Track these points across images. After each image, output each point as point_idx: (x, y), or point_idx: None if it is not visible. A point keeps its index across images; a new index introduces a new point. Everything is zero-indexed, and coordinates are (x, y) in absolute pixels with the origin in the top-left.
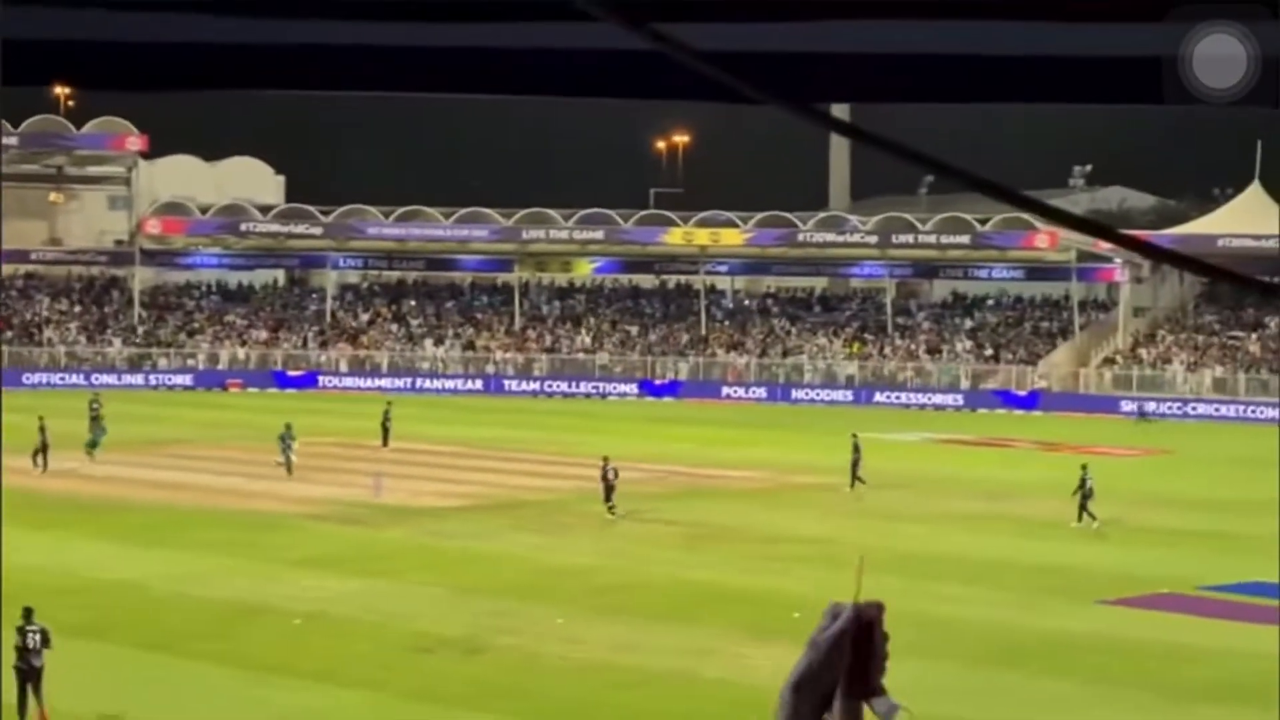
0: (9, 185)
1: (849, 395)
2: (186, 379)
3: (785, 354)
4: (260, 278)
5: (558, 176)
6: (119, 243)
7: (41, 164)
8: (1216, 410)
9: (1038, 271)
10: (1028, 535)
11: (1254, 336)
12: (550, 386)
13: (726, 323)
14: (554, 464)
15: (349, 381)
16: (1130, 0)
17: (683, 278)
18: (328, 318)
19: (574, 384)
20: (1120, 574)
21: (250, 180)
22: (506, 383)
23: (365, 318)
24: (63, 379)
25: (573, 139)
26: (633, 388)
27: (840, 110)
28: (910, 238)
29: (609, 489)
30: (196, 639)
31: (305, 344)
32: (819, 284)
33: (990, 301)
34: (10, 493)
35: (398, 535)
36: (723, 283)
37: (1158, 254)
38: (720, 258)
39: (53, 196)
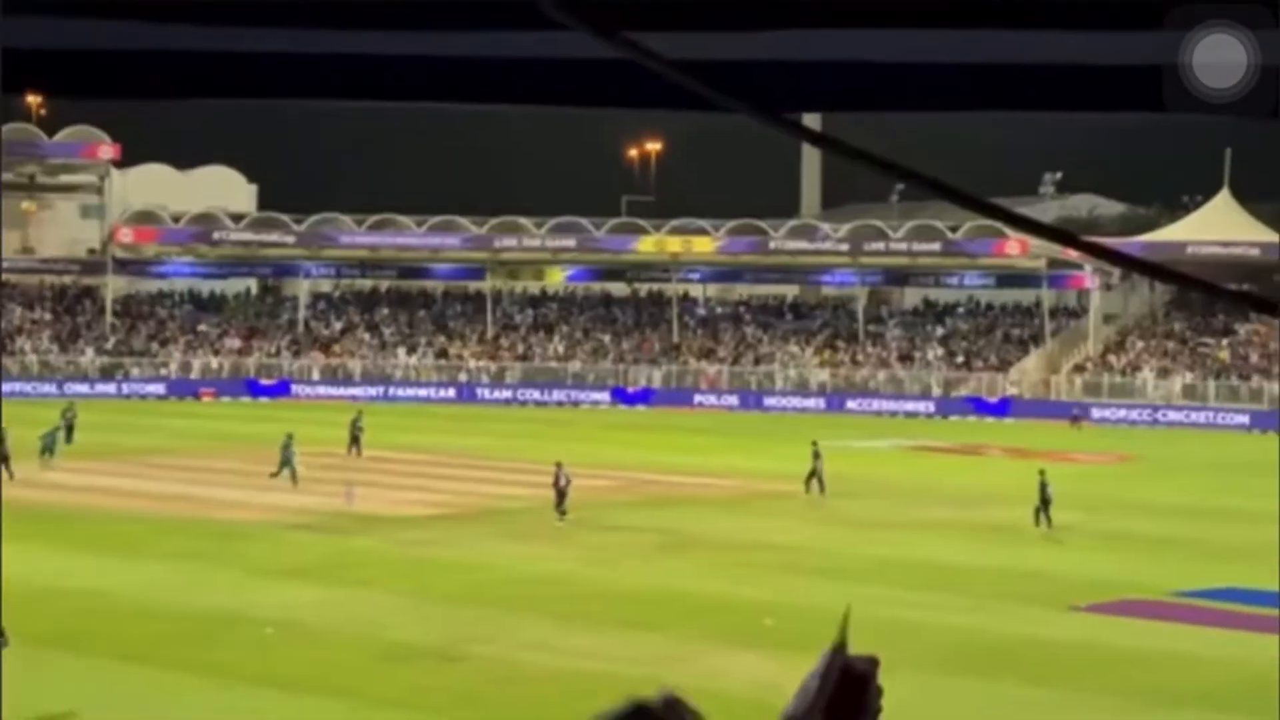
0: None
1: (821, 403)
2: (159, 388)
3: (757, 361)
4: (233, 286)
5: (530, 185)
6: (91, 251)
7: (14, 172)
8: (1187, 417)
9: (1008, 279)
10: (999, 542)
11: (1224, 343)
12: (523, 394)
13: (698, 330)
14: (527, 472)
15: (322, 390)
16: (1123, 6)
17: (655, 286)
18: (300, 326)
19: (546, 392)
20: (1093, 580)
21: (222, 189)
22: (479, 391)
23: (338, 326)
24: (35, 388)
25: (545, 147)
26: (605, 395)
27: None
28: (881, 245)
29: (560, 495)
30: (169, 648)
31: (278, 353)
32: (791, 291)
33: (961, 309)
34: None
35: (371, 544)
36: (695, 290)
37: (1126, 262)
38: (692, 265)
39: (25, 205)
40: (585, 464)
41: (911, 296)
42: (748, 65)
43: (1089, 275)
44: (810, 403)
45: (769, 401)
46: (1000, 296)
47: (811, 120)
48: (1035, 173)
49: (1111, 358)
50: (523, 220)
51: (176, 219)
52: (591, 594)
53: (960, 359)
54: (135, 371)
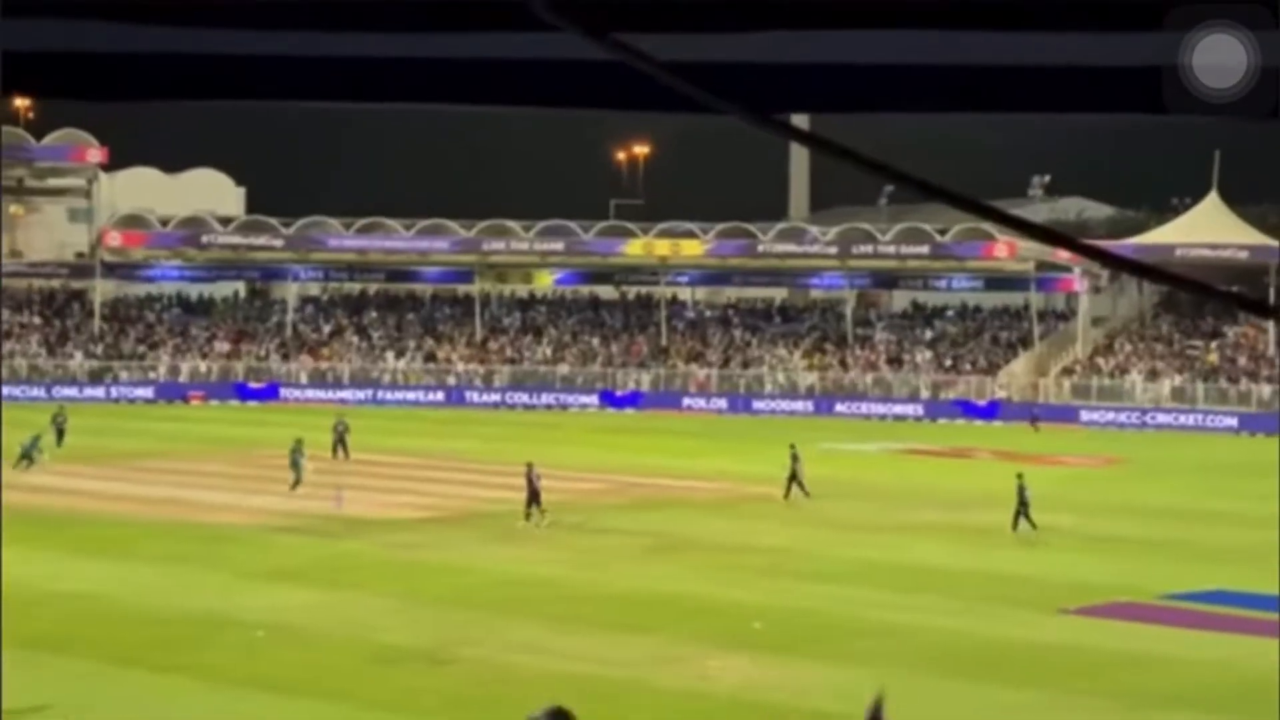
0: None
1: (809, 406)
2: (148, 391)
3: (746, 364)
4: (221, 290)
5: (518, 188)
6: (79, 255)
7: (1, 176)
8: (1175, 419)
9: (997, 281)
10: (988, 545)
11: (1212, 346)
12: (511, 398)
13: (687, 334)
14: (516, 475)
15: (311, 393)
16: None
17: (643, 289)
18: (289, 330)
19: (535, 395)
20: (1082, 582)
21: (211, 192)
22: (468, 394)
23: (327, 329)
24: (23, 392)
25: (533, 151)
26: (594, 399)
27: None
28: (870, 248)
29: (534, 495)
30: (159, 651)
31: (266, 356)
32: (779, 294)
33: (950, 312)
34: None
35: (360, 547)
36: (683, 294)
37: (1119, 263)
38: (680, 269)
39: (13, 209)
40: (574, 467)
41: (900, 299)
42: (738, 67)
43: (1077, 278)
44: (799, 405)
45: (757, 404)
46: (989, 299)
47: (799, 122)
48: (1024, 175)
49: (1100, 360)
50: (511, 223)
51: (165, 222)
52: (581, 596)
53: (949, 362)
54: (124, 375)
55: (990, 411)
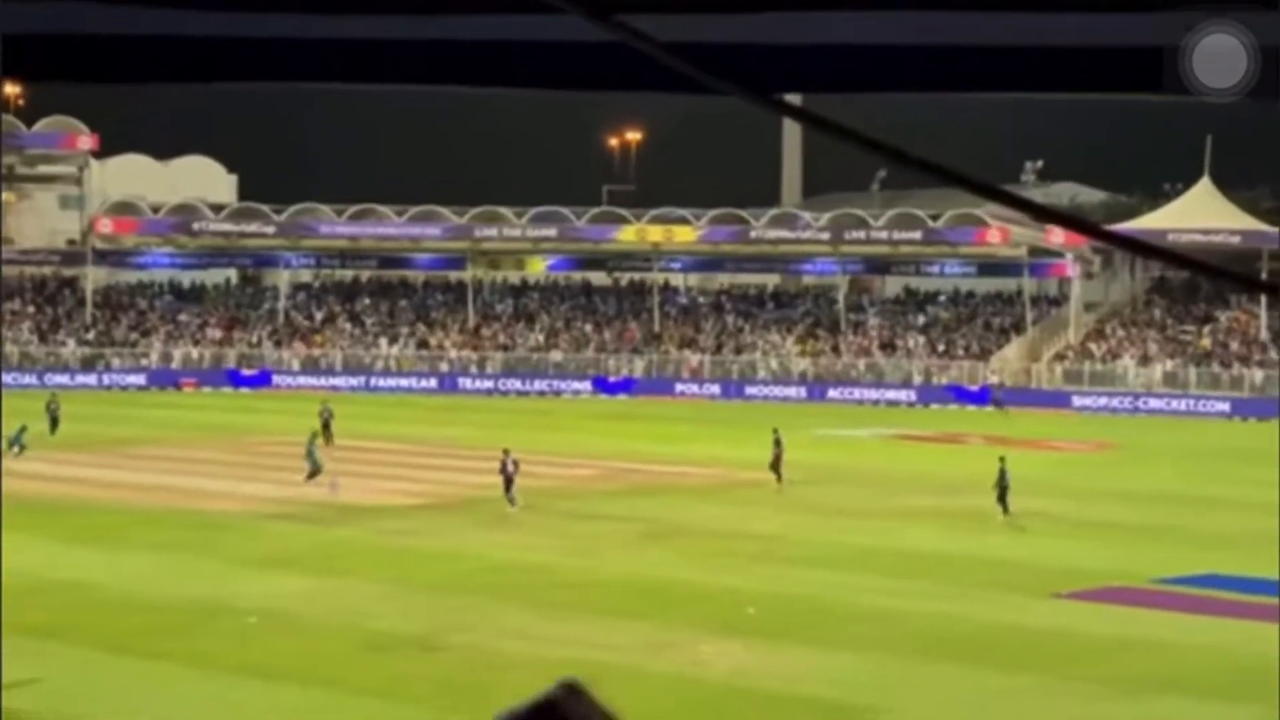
0: None
1: (802, 392)
2: (140, 379)
3: (738, 351)
4: (213, 277)
5: (510, 174)
6: (71, 242)
7: None
8: (1167, 404)
9: (990, 267)
10: (980, 530)
11: (1204, 331)
12: (504, 384)
13: (680, 320)
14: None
15: (303, 380)
16: None
17: (636, 275)
18: (281, 317)
19: (528, 382)
20: (1074, 567)
21: (202, 179)
22: (460, 381)
23: (319, 316)
24: (15, 379)
25: (525, 137)
26: (586, 385)
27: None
28: (862, 234)
29: (508, 481)
30: (152, 639)
31: (259, 343)
32: (772, 280)
33: (942, 297)
34: None
35: (353, 534)
36: (676, 280)
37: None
38: (673, 255)
39: (5, 196)
40: (566, 453)
41: (892, 285)
42: (739, 48)
43: (1070, 263)
44: (791, 391)
45: (750, 390)
46: (981, 285)
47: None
48: (1016, 160)
49: (1092, 346)
50: (503, 210)
51: (156, 210)
52: (573, 582)
53: (941, 347)
54: (116, 362)
55: (983, 397)
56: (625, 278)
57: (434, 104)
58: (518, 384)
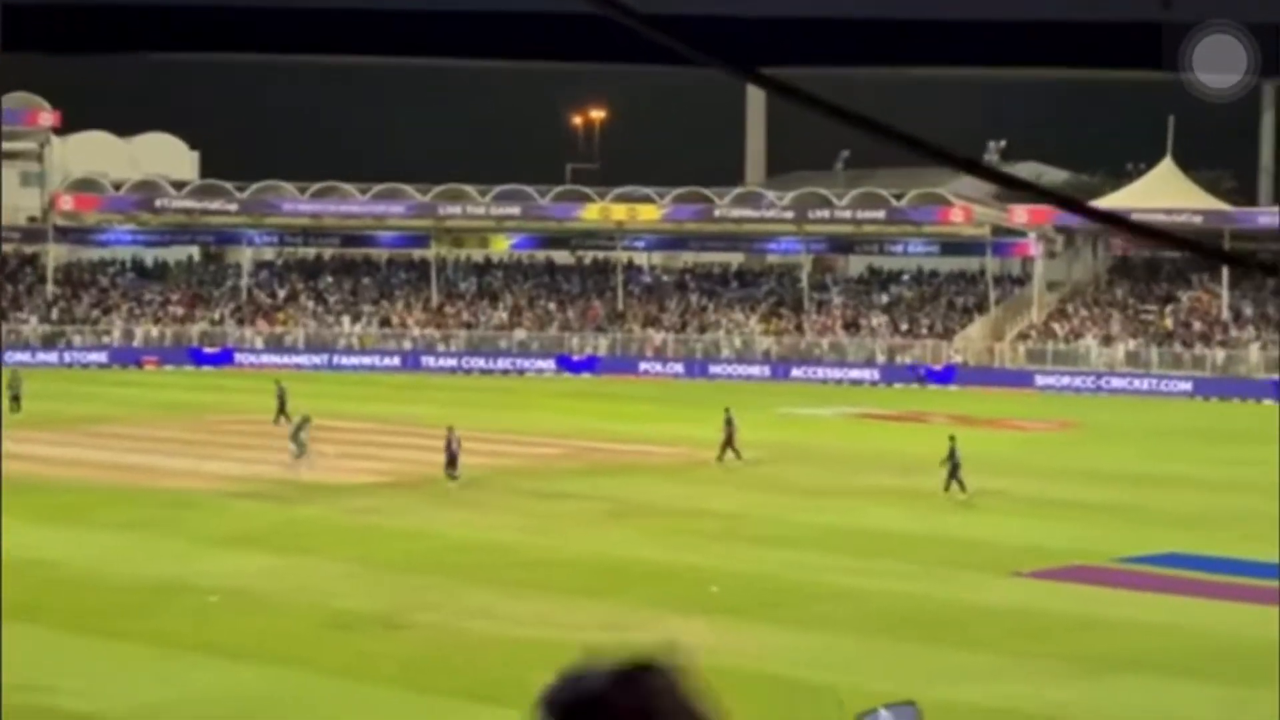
0: None
1: (766, 370)
2: (102, 356)
3: (702, 329)
4: (175, 254)
5: (474, 152)
6: (32, 220)
7: None
8: (1130, 384)
9: (953, 246)
10: (943, 509)
11: (1167, 310)
12: (468, 363)
13: (644, 298)
14: (471, 440)
15: (266, 358)
16: None
17: (600, 253)
18: (244, 294)
19: (491, 360)
20: (1036, 546)
21: (164, 156)
22: (424, 359)
23: (282, 294)
24: None
25: (489, 115)
26: (550, 363)
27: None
28: (826, 213)
29: (452, 458)
30: (115, 617)
31: (221, 321)
32: (735, 259)
33: (906, 276)
34: None
35: (316, 512)
36: (640, 258)
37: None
38: (637, 233)
39: None
40: (530, 432)
41: (856, 264)
42: (720, 20)
43: (1033, 243)
44: (755, 370)
45: (714, 369)
46: (945, 264)
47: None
48: (979, 140)
49: (1055, 325)
50: (467, 188)
51: (118, 186)
52: (537, 561)
53: (904, 326)
54: (77, 340)
55: (946, 376)
56: (589, 256)
57: (398, 81)
58: (481, 362)
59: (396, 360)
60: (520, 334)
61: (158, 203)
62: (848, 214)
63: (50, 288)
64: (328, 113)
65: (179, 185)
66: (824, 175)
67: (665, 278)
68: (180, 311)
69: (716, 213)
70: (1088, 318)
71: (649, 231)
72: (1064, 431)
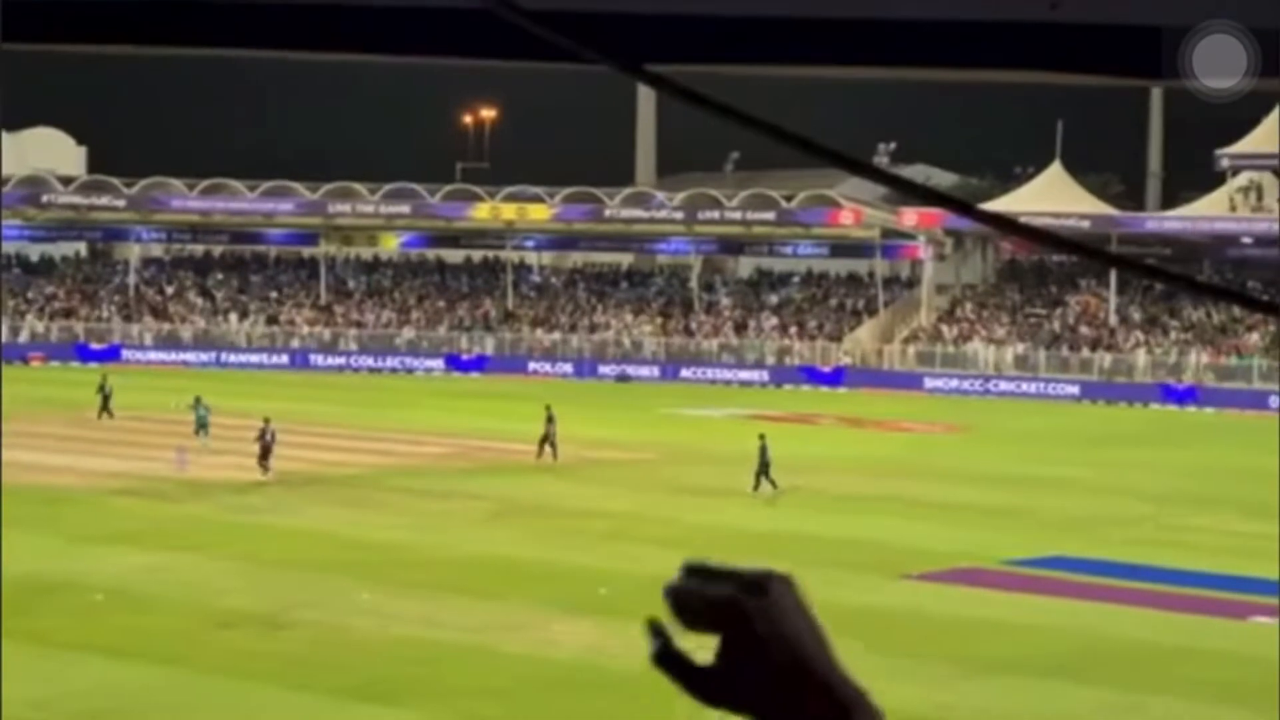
0: None
1: (655, 371)
2: None
3: (592, 329)
4: (62, 250)
5: (364, 150)
6: None
7: None
8: (1018, 387)
9: (842, 248)
10: (831, 510)
11: (1055, 314)
12: (356, 361)
13: (533, 298)
14: (359, 439)
15: (154, 355)
16: None
17: (490, 253)
18: (131, 291)
19: (380, 359)
20: (923, 549)
21: (51, 151)
22: (312, 357)
23: (170, 291)
24: None
25: (379, 113)
26: (439, 363)
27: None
28: (716, 214)
29: (265, 450)
30: None
31: (109, 317)
32: (626, 259)
33: (795, 278)
34: None
35: (200, 510)
36: (530, 258)
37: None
38: (527, 233)
39: None
40: (418, 430)
41: (746, 265)
42: (608, 17)
43: (922, 245)
44: (645, 371)
45: (603, 369)
46: (834, 266)
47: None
48: (870, 142)
49: (944, 327)
50: (356, 186)
51: (4, 181)
52: (422, 561)
53: (794, 328)
54: None
55: (835, 378)
56: (479, 255)
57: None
58: (370, 361)
59: (285, 358)
60: (409, 333)
61: (44, 198)
62: (738, 215)
63: None
64: (217, 109)
65: (66, 180)
66: (714, 176)
67: (555, 278)
68: (67, 307)
69: (607, 213)
70: (976, 321)
71: (539, 231)
72: (952, 434)
